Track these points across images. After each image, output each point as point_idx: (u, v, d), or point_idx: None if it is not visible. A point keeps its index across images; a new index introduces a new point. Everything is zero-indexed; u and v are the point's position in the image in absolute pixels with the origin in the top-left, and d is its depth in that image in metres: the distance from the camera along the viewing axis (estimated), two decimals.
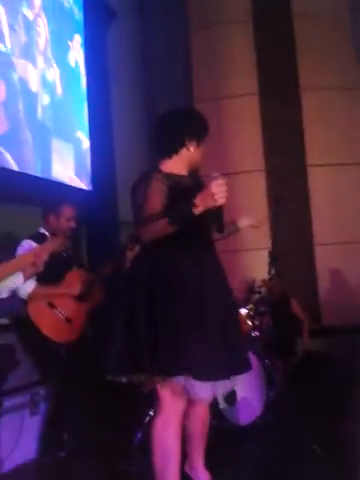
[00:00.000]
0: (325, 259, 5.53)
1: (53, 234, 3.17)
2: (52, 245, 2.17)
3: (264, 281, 4.16)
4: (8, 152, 3.68)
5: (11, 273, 2.06)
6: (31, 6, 4.11)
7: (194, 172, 2.38)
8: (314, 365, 4.40)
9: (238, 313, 2.52)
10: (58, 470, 2.93)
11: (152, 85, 5.73)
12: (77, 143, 4.65)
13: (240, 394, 3.42)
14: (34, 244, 2.93)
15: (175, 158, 2.27)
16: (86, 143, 4.75)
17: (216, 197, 2.04)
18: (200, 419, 2.42)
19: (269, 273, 3.35)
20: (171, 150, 2.26)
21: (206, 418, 2.45)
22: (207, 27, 5.68)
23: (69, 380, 2.94)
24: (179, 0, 5.71)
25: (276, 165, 5.59)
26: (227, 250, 5.40)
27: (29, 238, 3.07)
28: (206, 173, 2.21)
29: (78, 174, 4.59)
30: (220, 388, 2.31)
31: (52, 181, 4.15)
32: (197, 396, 2.20)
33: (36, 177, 3.98)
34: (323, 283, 5.55)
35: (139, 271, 2.25)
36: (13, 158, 3.73)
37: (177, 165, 2.27)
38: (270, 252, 3.40)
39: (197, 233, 2.24)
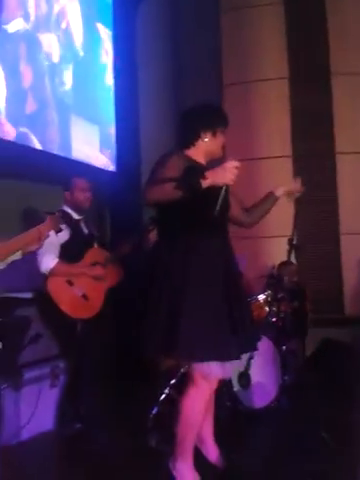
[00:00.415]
0: (351, 249, 5.46)
1: (75, 209, 3.24)
2: (52, 223, 2.27)
3: (279, 266, 4.19)
4: (33, 132, 3.75)
5: (17, 249, 2.15)
6: None
7: (214, 162, 2.42)
8: (333, 353, 4.38)
9: (245, 293, 2.62)
10: (74, 441, 3.02)
11: (180, 68, 5.71)
12: (103, 124, 4.69)
13: (255, 378, 3.46)
14: None
15: (193, 149, 2.40)
16: (112, 124, 4.79)
17: (226, 174, 2.09)
18: (211, 396, 2.51)
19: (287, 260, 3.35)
20: (188, 141, 2.40)
21: (213, 395, 2.54)
22: (237, 9, 5.59)
23: (85, 355, 3.01)
24: None
25: (304, 151, 5.52)
26: (249, 236, 5.43)
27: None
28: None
29: (103, 154, 4.64)
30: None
31: (77, 161, 4.21)
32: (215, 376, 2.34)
33: (62, 157, 4.03)
34: (348, 273, 5.49)
35: (161, 255, 2.34)
36: (38, 138, 3.80)
37: (196, 154, 2.40)
38: (290, 239, 3.39)
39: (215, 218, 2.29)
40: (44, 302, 3.10)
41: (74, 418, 3.15)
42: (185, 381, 2.45)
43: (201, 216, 2.27)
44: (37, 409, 3.00)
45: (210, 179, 2.11)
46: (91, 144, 4.49)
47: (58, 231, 2.93)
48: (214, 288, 2.29)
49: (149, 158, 4.90)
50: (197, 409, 2.36)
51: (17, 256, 2.18)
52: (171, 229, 2.35)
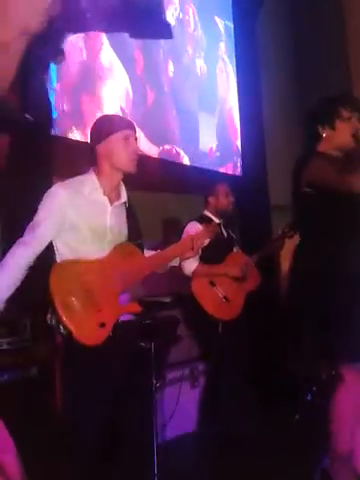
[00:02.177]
0: None
1: (217, 213, 3.33)
2: (208, 232, 2.30)
3: None
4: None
5: (173, 258, 2.22)
6: None
7: (351, 149, 2.34)
8: None
9: None
10: (214, 443, 3.05)
11: (303, 64, 5.55)
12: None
13: None
14: (199, 225, 3.10)
15: (321, 145, 2.36)
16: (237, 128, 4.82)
17: None
18: None
19: None
20: (310, 142, 2.37)
21: None
22: None
23: (226, 357, 3.04)
24: None
25: None
26: None
27: (194, 220, 3.27)
28: None
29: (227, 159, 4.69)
30: None
31: (207, 170, 4.32)
32: None
33: (194, 167, 4.17)
34: None
35: (310, 262, 2.28)
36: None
37: (326, 148, 2.34)
38: None
39: (354, 217, 2.24)
40: (184, 304, 3.18)
41: (214, 420, 3.18)
42: (331, 386, 2.37)
43: (342, 216, 2.21)
44: (178, 409, 3.08)
45: None
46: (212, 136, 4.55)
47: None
48: None
49: (275, 161, 4.88)
50: (348, 404, 2.27)
51: (175, 262, 2.27)
52: (310, 234, 2.32)
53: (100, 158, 2.09)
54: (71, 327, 1.86)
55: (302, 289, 2.27)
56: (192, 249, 2.19)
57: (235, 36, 4.93)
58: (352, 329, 2.16)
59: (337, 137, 2.33)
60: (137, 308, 2.08)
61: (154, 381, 2.01)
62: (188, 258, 2.26)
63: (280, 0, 5.59)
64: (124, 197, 2.15)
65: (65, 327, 1.86)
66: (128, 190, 2.19)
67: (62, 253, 2.02)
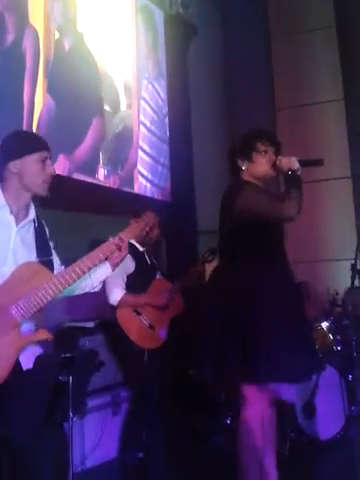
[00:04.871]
0: None
1: (140, 242, 3.28)
2: (134, 230, 2.11)
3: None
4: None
5: (102, 259, 1.98)
6: None
7: (268, 182, 2.50)
8: None
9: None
10: (136, 470, 3.03)
11: (233, 96, 5.75)
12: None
13: (320, 408, 3.35)
14: None
15: (243, 174, 2.48)
16: (165, 155, 4.89)
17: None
18: (274, 421, 2.46)
19: (351, 286, 3.26)
20: (234, 174, 2.51)
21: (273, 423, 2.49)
22: (289, 35, 5.64)
23: (149, 383, 3.03)
24: (260, 10, 5.71)
25: None
26: (311, 260, 5.36)
27: None
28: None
29: (156, 185, 4.74)
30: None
31: (133, 193, 4.33)
32: (282, 398, 2.38)
33: (119, 189, 4.17)
34: None
35: (226, 284, 2.37)
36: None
37: (248, 177, 2.47)
38: (353, 264, 3.30)
39: (278, 241, 2.42)
40: (111, 331, 3.16)
41: (136, 446, 3.16)
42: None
43: (268, 239, 2.36)
44: (100, 437, 3.03)
45: None
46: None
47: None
48: (285, 312, 2.30)
49: (203, 188, 5.00)
50: (256, 431, 2.31)
51: (108, 271, 2.09)
52: (237, 255, 2.40)
53: (10, 175, 1.96)
54: None
55: (218, 312, 2.32)
56: (119, 249, 2.01)
57: (167, 65, 5.00)
58: (274, 351, 2.21)
59: (256, 168, 2.46)
60: (45, 335, 1.89)
61: (71, 415, 1.96)
62: (117, 263, 2.08)
63: (213, 26, 5.75)
64: (32, 214, 2.02)
65: None
66: (47, 209, 2.09)
67: None
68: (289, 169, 2.32)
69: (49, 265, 1.98)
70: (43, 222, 2.09)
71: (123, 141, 4.35)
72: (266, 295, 2.29)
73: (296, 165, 2.33)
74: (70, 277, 1.90)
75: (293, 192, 2.26)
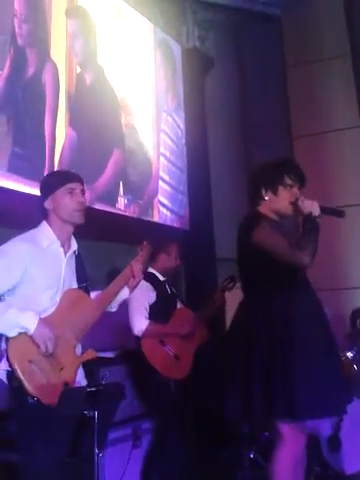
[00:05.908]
0: None
1: (163, 272, 3.29)
2: (142, 256, 2.34)
3: None
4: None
5: (118, 292, 2.27)
6: None
7: (284, 219, 2.43)
8: None
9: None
10: None
11: (250, 126, 5.82)
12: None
13: (345, 441, 3.27)
14: (144, 282, 2.94)
15: (261, 206, 2.42)
16: (184, 183, 4.94)
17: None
18: (305, 458, 2.40)
19: None
20: (253, 202, 2.44)
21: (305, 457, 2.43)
22: (305, 64, 5.70)
23: (174, 415, 2.99)
24: (275, 40, 5.80)
25: None
26: (331, 288, 5.30)
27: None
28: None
29: (175, 213, 4.78)
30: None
31: (152, 222, 4.38)
32: (320, 433, 2.38)
33: (138, 218, 4.21)
34: None
35: (252, 315, 2.33)
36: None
37: (265, 211, 2.41)
38: None
39: (298, 270, 2.32)
40: (135, 362, 3.13)
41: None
42: (272, 445, 2.36)
43: (288, 270, 2.27)
44: (124, 471, 2.97)
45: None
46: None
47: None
48: (319, 342, 2.26)
49: (221, 216, 5.02)
50: (287, 463, 2.26)
51: (125, 294, 2.33)
52: (259, 287, 2.34)
53: (49, 212, 2.16)
54: (38, 395, 1.87)
55: (246, 342, 2.28)
56: (134, 277, 2.27)
57: (184, 96, 5.09)
58: (292, 384, 2.16)
59: (278, 203, 2.38)
60: (93, 354, 2.12)
61: (96, 451, 1.93)
62: (134, 286, 2.33)
63: (229, 58, 5.86)
64: (74, 246, 2.22)
65: (32, 396, 1.87)
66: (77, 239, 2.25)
67: (14, 303, 2.01)
68: (310, 213, 2.26)
69: (87, 291, 2.21)
70: (81, 252, 2.26)
71: (143, 172, 4.40)
72: (297, 327, 2.24)
73: (317, 211, 2.26)
74: (105, 302, 2.20)
75: (310, 240, 2.21)
